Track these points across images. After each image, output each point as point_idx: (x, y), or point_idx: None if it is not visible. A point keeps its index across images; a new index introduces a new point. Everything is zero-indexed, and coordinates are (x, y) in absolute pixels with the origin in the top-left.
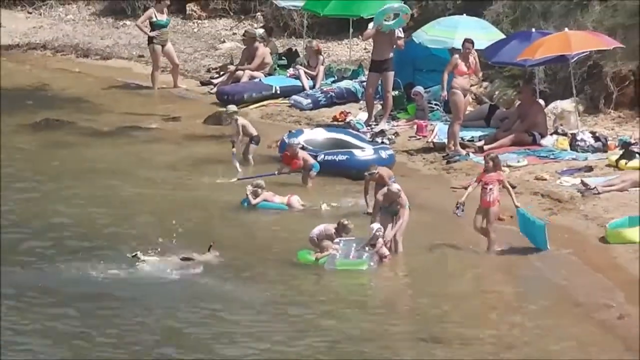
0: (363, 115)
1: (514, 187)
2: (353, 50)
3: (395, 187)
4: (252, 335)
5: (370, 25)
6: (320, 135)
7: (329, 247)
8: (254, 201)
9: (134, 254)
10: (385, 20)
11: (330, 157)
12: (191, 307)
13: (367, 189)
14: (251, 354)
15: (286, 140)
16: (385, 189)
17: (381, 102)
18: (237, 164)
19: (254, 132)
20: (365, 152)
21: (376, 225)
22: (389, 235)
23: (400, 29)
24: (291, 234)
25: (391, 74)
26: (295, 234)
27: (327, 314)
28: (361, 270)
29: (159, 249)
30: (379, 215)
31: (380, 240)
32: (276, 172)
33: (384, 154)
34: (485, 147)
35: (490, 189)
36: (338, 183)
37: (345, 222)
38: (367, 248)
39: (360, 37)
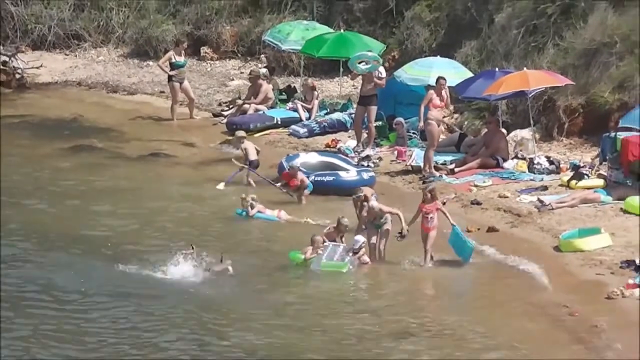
0: (352, 142)
1: (479, 204)
2: (343, 86)
3: (373, 204)
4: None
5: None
6: (313, 158)
7: (317, 249)
8: (252, 212)
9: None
10: (360, 63)
11: (319, 178)
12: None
13: (356, 208)
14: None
15: (284, 163)
16: (367, 207)
17: (367, 131)
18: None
19: (252, 158)
20: (349, 174)
21: (360, 238)
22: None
23: (383, 70)
24: (286, 243)
25: (374, 107)
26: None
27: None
28: (342, 272)
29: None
30: (365, 229)
31: (363, 249)
32: (279, 185)
33: (365, 176)
34: (456, 170)
35: (431, 217)
36: (324, 201)
37: (343, 220)
38: (349, 254)
39: (348, 76)
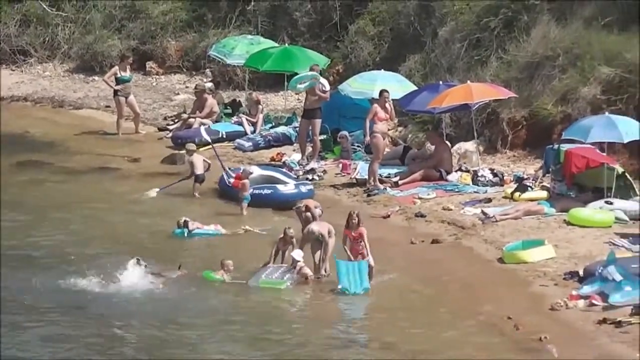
0: (297, 156)
1: (423, 216)
2: (287, 100)
3: (314, 228)
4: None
5: None
6: (256, 172)
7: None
8: (191, 227)
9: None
10: (300, 84)
11: (257, 191)
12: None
13: (300, 220)
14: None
15: (226, 177)
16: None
17: (311, 145)
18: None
19: (198, 172)
20: (287, 187)
21: (299, 252)
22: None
23: (326, 83)
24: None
25: (318, 120)
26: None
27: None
28: (280, 288)
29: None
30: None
31: (300, 264)
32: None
33: (304, 189)
34: (400, 182)
35: (361, 241)
36: (262, 213)
37: (289, 230)
38: (290, 271)
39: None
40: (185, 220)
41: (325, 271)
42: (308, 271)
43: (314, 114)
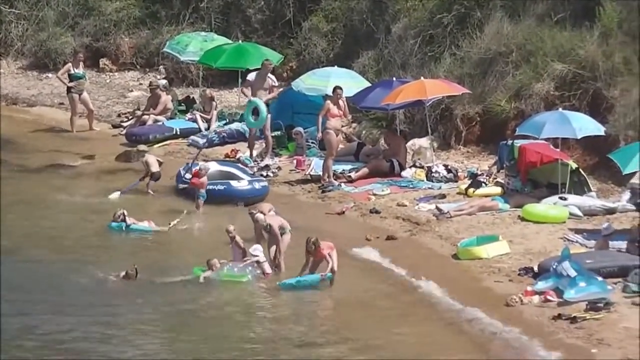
0: (254, 152)
1: (378, 212)
2: (241, 97)
3: (259, 217)
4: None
5: (250, 75)
6: (212, 167)
7: (216, 264)
8: (129, 222)
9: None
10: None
11: (211, 187)
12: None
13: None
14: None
15: (182, 173)
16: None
17: (264, 141)
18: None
19: (154, 170)
20: (241, 183)
21: (258, 247)
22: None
23: (274, 78)
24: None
25: (268, 116)
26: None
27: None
28: (241, 281)
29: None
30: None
31: (258, 258)
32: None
33: (257, 185)
34: (354, 176)
35: (329, 254)
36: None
37: (229, 227)
38: (251, 267)
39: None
40: (122, 214)
41: (279, 267)
42: (267, 267)
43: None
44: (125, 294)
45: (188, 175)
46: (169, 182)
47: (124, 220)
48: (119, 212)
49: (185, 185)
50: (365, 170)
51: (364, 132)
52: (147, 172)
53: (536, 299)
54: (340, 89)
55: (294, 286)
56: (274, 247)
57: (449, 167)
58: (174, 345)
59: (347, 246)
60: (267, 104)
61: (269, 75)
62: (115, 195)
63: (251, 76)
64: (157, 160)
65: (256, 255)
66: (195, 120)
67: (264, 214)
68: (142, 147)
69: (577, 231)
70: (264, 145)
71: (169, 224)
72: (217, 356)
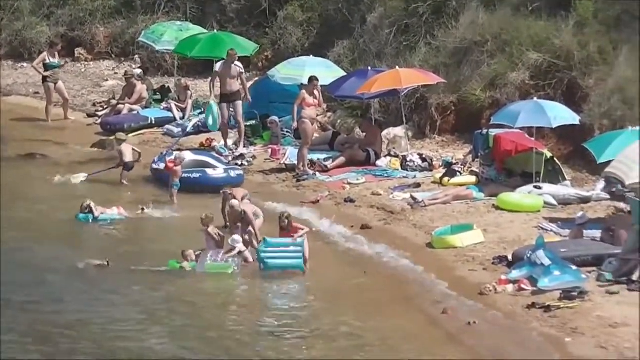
0: (229, 141)
1: (353, 201)
2: (216, 86)
3: (234, 203)
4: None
5: (217, 65)
6: (187, 157)
7: (191, 255)
8: (97, 213)
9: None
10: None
11: (187, 175)
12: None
13: (224, 206)
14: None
15: (156, 161)
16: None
17: (237, 129)
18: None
19: (127, 160)
20: (216, 172)
21: (238, 238)
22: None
23: (240, 65)
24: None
25: (239, 103)
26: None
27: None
28: (228, 272)
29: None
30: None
31: (238, 247)
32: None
33: (233, 174)
34: (330, 166)
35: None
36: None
37: (202, 215)
38: (233, 256)
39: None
40: (89, 205)
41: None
42: (248, 255)
43: (236, 96)
44: (102, 282)
45: (161, 164)
46: (143, 172)
47: (90, 212)
48: (85, 203)
49: (159, 168)
50: (341, 159)
51: (339, 121)
52: (120, 162)
53: (510, 287)
54: (317, 79)
55: (277, 266)
56: (248, 233)
57: (424, 156)
58: (145, 335)
59: (321, 235)
60: (236, 92)
61: (236, 63)
62: (79, 177)
63: (217, 66)
64: (134, 150)
65: (236, 246)
66: (170, 110)
67: (239, 201)
68: (120, 135)
69: (552, 220)
70: (243, 135)
71: (142, 209)
72: (184, 344)
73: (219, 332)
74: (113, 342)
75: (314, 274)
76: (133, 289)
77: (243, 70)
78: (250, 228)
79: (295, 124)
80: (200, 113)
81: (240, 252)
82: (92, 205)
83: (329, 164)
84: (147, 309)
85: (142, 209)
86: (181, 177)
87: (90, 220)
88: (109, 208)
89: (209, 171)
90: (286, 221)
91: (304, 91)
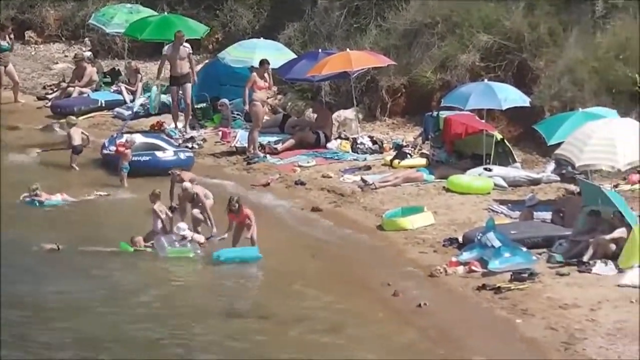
0: (179, 124)
1: (303, 184)
2: (166, 68)
3: (187, 185)
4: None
5: (166, 48)
6: (138, 139)
7: (140, 241)
8: (42, 198)
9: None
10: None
11: (136, 158)
12: None
13: (172, 186)
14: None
15: (107, 145)
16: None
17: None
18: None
19: (75, 143)
20: (166, 154)
21: (182, 225)
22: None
23: (189, 47)
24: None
25: (189, 85)
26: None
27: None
28: (189, 256)
29: None
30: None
31: (187, 235)
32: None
33: (182, 156)
34: (279, 148)
35: (248, 223)
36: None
37: (154, 192)
38: (185, 241)
39: None
40: (36, 189)
41: (212, 228)
42: (200, 238)
43: (186, 79)
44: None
45: (112, 148)
46: (93, 155)
47: (36, 196)
48: (33, 186)
49: (109, 152)
50: (291, 141)
51: (289, 103)
52: (68, 145)
53: (461, 269)
54: (268, 62)
55: (231, 259)
56: (200, 213)
57: (374, 138)
58: (96, 315)
59: (272, 218)
60: (186, 74)
61: (184, 44)
62: (31, 153)
63: (166, 49)
64: (83, 134)
65: (183, 234)
66: (120, 93)
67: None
68: (71, 118)
69: (502, 202)
70: (190, 117)
71: (99, 195)
72: (135, 326)
73: (169, 311)
74: (67, 322)
75: (265, 257)
76: (83, 271)
77: (191, 51)
78: (201, 211)
79: (246, 107)
80: (149, 96)
81: (192, 240)
82: (39, 189)
83: (279, 146)
84: (98, 291)
85: (100, 195)
86: (131, 161)
87: (37, 205)
88: (54, 195)
89: (159, 154)
90: (237, 205)
91: (254, 74)
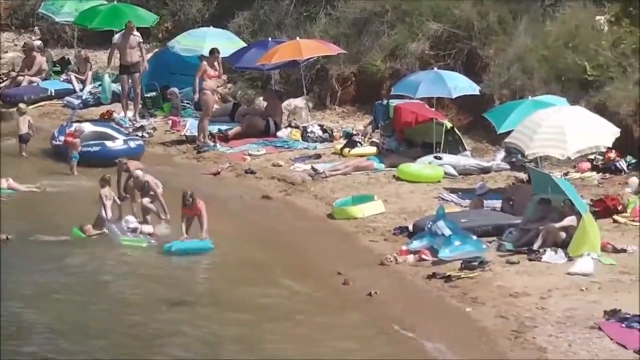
0: (128, 113)
1: (254, 173)
2: (116, 57)
3: (138, 173)
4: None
5: (116, 37)
6: (87, 128)
7: (90, 229)
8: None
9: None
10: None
11: (86, 148)
12: None
13: (119, 175)
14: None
15: (58, 133)
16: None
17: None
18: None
19: (22, 132)
20: (115, 143)
21: (131, 218)
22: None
23: (139, 36)
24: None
25: (138, 74)
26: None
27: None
28: (142, 246)
29: None
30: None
31: (135, 226)
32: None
33: (132, 144)
34: (230, 134)
35: (200, 215)
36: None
37: (103, 176)
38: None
39: None
40: None
41: (166, 215)
42: (149, 228)
43: (136, 68)
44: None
45: (62, 137)
46: (43, 144)
47: None
48: None
49: (59, 143)
50: (238, 128)
51: (239, 92)
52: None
53: (411, 258)
54: (218, 51)
55: (182, 251)
56: (150, 202)
57: (325, 127)
58: (46, 304)
59: (222, 207)
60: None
61: (134, 33)
62: None
63: (116, 38)
64: (29, 122)
65: (131, 227)
66: (70, 81)
67: (132, 174)
68: (22, 106)
69: (452, 190)
70: (139, 105)
71: (44, 189)
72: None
73: (118, 301)
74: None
75: (216, 246)
76: (35, 260)
77: (142, 40)
78: (151, 200)
79: (196, 96)
80: (101, 84)
81: (141, 230)
82: None
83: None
84: (47, 280)
85: (45, 189)
86: (81, 151)
87: None
88: None
89: (108, 143)
90: (190, 199)
91: (204, 62)
